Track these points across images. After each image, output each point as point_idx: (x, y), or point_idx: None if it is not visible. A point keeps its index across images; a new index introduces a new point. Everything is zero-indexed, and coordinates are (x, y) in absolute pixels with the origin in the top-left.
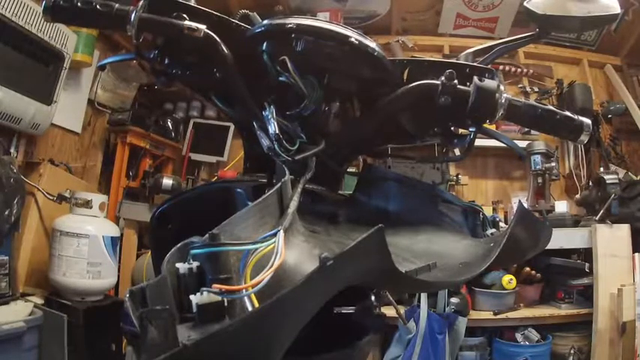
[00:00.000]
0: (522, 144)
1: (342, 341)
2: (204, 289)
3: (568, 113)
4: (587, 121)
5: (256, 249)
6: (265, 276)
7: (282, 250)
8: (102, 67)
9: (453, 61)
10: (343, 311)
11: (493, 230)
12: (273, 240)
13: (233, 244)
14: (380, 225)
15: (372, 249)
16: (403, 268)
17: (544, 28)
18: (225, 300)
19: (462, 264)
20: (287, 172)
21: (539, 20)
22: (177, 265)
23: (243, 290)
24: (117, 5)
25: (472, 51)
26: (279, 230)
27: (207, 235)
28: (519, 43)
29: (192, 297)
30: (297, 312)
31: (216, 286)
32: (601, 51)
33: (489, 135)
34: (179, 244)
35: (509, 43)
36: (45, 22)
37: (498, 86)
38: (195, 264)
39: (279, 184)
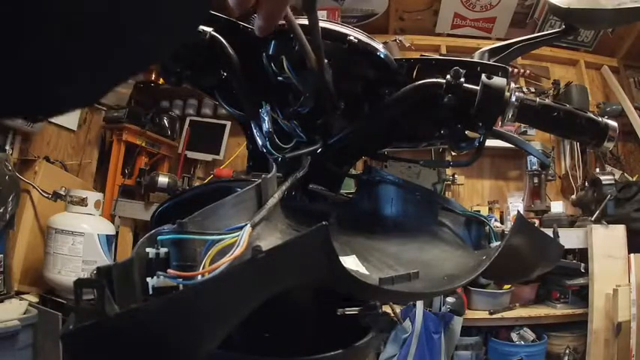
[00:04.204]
0: None
1: (347, 341)
2: (160, 272)
3: (591, 115)
4: (613, 123)
5: (221, 240)
6: (221, 264)
7: (245, 243)
8: None
9: (463, 59)
10: (347, 312)
11: (499, 243)
12: (238, 233)
13: (198, 233)
14: (323, 222)
15: (314, 248)
16: (382, 275)
17: (570, 24)
18: (181, 285)
19: (447, 275)
20: (275, 169)
21: (564, 15)
22: (147, 249)
23: (199, 276)
24: None
25: (488, 49)
26: (246, 224)
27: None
28: (542, 42)
29: (149, 279)
30: (227, 302)
31: (170, 272)
32: (598, 52)
33: (503, 138)
34: (152, 231)
35: (531, 40)
36: None
37: (509, 84)
38: (163, 250)
39: (258, 180)
